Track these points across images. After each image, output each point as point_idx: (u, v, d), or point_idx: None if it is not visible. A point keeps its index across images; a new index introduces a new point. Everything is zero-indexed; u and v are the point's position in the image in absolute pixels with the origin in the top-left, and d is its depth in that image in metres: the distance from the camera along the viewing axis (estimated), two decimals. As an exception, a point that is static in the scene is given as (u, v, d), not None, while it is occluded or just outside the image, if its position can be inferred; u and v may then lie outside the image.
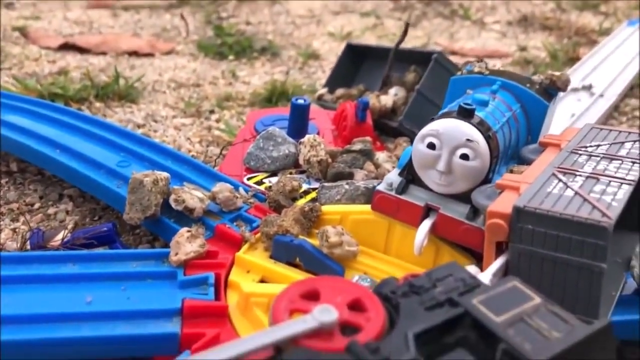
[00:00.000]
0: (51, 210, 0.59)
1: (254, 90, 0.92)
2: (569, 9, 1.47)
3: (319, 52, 1.13)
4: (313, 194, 0.54)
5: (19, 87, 0.83)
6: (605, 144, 0.44)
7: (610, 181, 0.38)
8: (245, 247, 0.47)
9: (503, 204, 0.37)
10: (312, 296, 0.30)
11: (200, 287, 0.42)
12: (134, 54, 1.07)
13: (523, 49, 1.18)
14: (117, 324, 0.39)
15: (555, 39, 1.24)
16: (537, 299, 0.29)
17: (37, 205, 0.60)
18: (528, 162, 0.45)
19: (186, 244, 0.45)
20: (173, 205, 0.49)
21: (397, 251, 0.47)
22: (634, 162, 0.41)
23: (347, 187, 0.51)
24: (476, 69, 0.52)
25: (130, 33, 1.19)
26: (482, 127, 0.43)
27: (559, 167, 0.40)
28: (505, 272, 0.37)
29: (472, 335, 0.28)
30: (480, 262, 0.41)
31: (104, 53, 1.06)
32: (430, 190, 0.45)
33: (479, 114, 0.45)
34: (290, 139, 0.61)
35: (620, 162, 0.41)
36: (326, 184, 0.53)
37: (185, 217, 0.50)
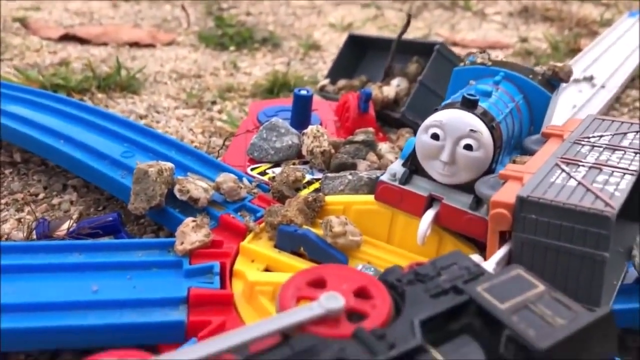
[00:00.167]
0: (55, 201, 0.59)
1: (256, 81, 0.92)
2: (570, 0, 1.47)
3: (320, 43, 1.13)
4: (316, 185, 0.55)
5: (20, 78, 0.83)
6: (607, 135, 0.44)
7: (613, 171, 0.39)
8: (249, 236, 0.48)
9: (506, 193, 0.37)
10: (319, 284, 0.31)
11: (205, 276, 0.43)
12: (135, 44, 1.07)
13: (524, 40, 1.18)
14: (124, 312, 0.39)
15: (557, 30, 1.24)
16: (541, 287, 0.29)
17: (41, 196, 0.60)
18: (531, 153, 0.45)
19: (191, 233, 0.45)
20: (178, 195, 0.50)
21: (400, 241, 0.47)
22: (636, 153, 0.41)
23: (350, 177, 0.52)
24: (479, 60, 0.53)
25: (130, 24, 1.19)
26: (486, 117, 0.44)
27: (562, 158, 0.41)
28: (508, 261, 0.37)
29: (477, 322, 0.29)
30: (483, 251, 0.41)
31: (104, 44, 1.06)
32: (434, 180, 0.46)
33: (482, 104, 0.45)
34: (294, 130, 0.61)
35: (622, 152, 0.41)
36: (329, 175, 0.53)
37: (190, 207, 0.50)
